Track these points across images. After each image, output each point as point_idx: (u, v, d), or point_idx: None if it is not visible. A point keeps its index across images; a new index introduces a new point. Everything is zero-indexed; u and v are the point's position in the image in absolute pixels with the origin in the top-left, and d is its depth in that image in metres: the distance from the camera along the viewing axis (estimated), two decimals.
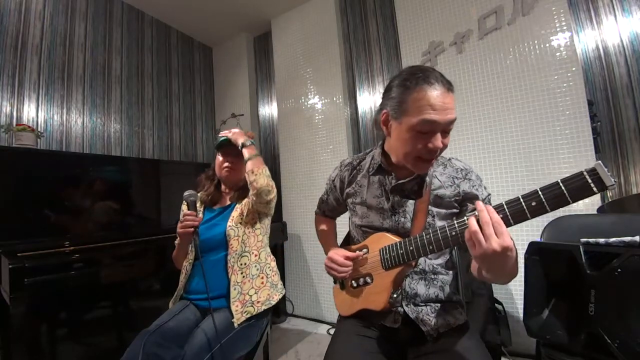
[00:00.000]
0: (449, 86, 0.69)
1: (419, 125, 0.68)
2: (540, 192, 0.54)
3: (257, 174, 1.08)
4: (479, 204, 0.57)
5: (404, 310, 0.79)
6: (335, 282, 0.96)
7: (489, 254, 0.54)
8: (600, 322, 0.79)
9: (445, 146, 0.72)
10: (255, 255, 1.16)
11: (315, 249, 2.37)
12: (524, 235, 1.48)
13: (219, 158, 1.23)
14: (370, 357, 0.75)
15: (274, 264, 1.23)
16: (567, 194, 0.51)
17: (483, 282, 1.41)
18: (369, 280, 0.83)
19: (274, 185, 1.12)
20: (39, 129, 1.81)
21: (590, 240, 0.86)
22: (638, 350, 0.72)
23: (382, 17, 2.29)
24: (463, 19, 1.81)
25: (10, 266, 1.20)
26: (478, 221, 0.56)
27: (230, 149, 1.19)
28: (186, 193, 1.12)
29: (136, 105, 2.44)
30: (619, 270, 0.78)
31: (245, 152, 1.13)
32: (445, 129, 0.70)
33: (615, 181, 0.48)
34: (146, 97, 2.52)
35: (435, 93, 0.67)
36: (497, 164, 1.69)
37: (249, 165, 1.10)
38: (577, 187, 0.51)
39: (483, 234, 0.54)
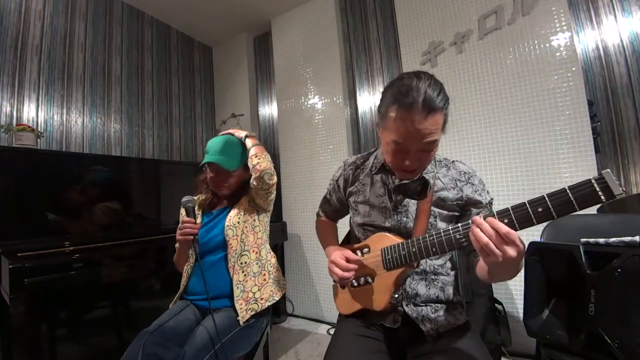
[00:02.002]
0: (431, 106, 0.64)
1: (391, 143, 0.71)
2: (547, 198, 0.53)
3: (260, 158, 1.09)
4: (476, 219, 0.57)
5: (404, 310, 0.79)
6: (335, 281, 0.96)
7: (507, 260, 0.54)
8: (600, 322, 0.79)
9: (425, 165, 0.74)
10: (256, 253, 1.16)
11: (316, 249, 2.37)
12: (524, 235, 1.48)
13: (209, 174, 1.19)
14: (370, 357, 0.75)
15: (274, 260, 1.23)
16: (574, 202, 0.51)
17: (483, 282, 1.41)
18: (369, 280, 0.83)
19: (275, 173, 1.14)
20: (39, 129, 1.81)
21: (590, 240, 0.86)
22: (638, 350, 0.72)
23: (382, 17, 2.29)
24: (463, 19, 1.81)
25: (10, 266, 1.19)
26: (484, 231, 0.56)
27: (213, 168, 1.16)
28: (184, 199, 1.11)
29: (136, 105, 2.43)
30: (619, 270, 0.78)
31: (249, 142, 1.15)
32: (421, 149, 0.69)
33: (623, 190, 0.47)
34: (146, 97, 2.52)
35: (408, 119, 0.65)
36: (497, 164, 1.69)
37: (252, 151, 1.11)
38: (584, 194, 0.50)
39: (495, 244, 0.54)
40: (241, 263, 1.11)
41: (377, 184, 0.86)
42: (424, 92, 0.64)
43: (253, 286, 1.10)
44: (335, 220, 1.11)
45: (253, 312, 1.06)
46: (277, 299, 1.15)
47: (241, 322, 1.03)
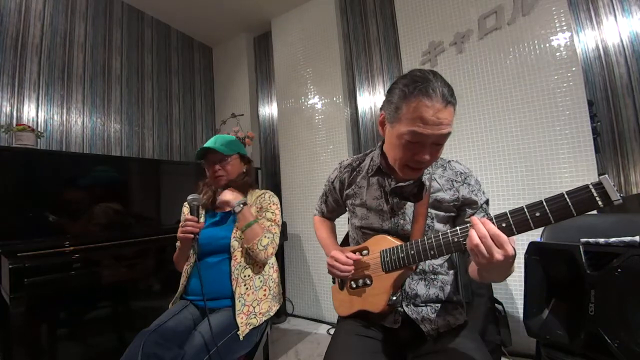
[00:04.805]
0: (449, 99, 0.66)
1: (407, 135, 0.68)
2: (545, 203, 0.54)
3: (255, 252, 1.09)
4: (473, 219, 0.58)
5: (404, 310, 0.79)
6: (334, 282, 0.96)
7: (493, 263, 0.55)
8: (600, 322, 0.79)
9: (434, 159, 0.72)
10: (260, 267, 1.16)
11: (316, 249, 2.37)
12: (524, 235, 1.48)
13: (207, 168, 1.22)
14: (370, 357, 0.75)
15: (276, 275, 1.23)
16: (572, 207, 0.51)
17: (483, 282, 1.41)
18: (368, 281, 0.83)
19: (274, 249, 1.13)
20: (39, 129, 1.81)
21: (590, 240, 0.86)
22: (638, 350, 0.72)
23: (382, 17, 2.29)
24: (463, 19, 1.80)
25: (10, 266, 1.19)
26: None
27: (211, 155, 1.19)
28: (190, 197, 1.11)
29: (136, 105, 2.44)
30: (619, 270, 0.78)
31: (240, 219, 1.12)
32: (436, 141, 0.69)
33: (621, 196, 0.47)
34: (146, 97, 2.52)
35: (430, 106, 0.65)
36: (497, 164, 1.69)
37: (245, 238, 1.10)
38: (582, 200, 0.50)
39: (484, 246, 0.55)
40: (244, 276, 1.11)
41: (374, 186, 0.86)
42: (441, 84, 0.67)
43: (254, 300, 1.11)
44: (332, 219, 1.11)
45: (251, 327, 1.06)
46: (272, 314, 1.16)
47: (241, 337, 1.02)
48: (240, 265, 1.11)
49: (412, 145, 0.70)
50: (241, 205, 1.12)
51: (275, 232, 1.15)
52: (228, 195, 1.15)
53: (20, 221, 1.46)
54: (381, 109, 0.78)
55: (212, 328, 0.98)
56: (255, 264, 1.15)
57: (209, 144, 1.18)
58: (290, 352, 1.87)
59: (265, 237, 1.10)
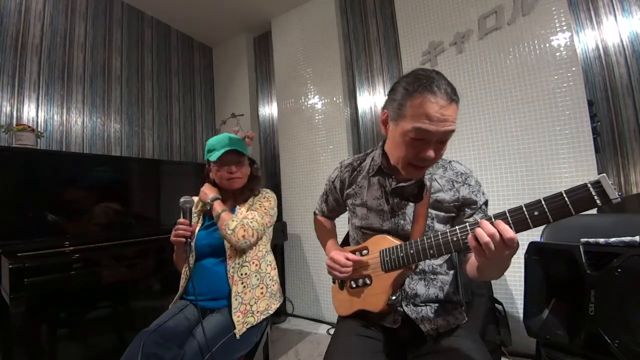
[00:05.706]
0: (452, 96, 0.66)
1: (412, 132, 0.68)
2: (543, 202, 0.54)
3: (226, 237, 1.08)
4: (484, 222, 0.58)
5: (404, 310, 0.79)
6: (334, 282, 0.96)
7: (497, 259, 0.56)
8: (600, 322, 0.79)
9: (438, 157, 0.72)
10: (256, 265, 1.15)
11: (316, 249, 2.37)
12: (524, 235, 1.48)
13: (220, 169, 1.17)
14: (370, 357, 0.75)
15: (274, 272, 1.22)
16: (570, 206, 0.51)
17: (483, 281, 1.42)
18: (368, 281, 0.83)
19: (245, 232, 1.07)
20: (39, 129, 1.81)
21: (590, 240, 0.86)
22: (638, 350, 0.72)
23: (382, 17, 2.29)
24: (463, 19, 1.80)
25: (10, 266, 1.19)
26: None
27: (229, 156, 1.16)
28: (182, 200, 1.07)
29: (136, 105, 2.44)
30: (619, 270, 0.78)
31: (213, 214, 1.14)
32: (440, 139, 0.69)
33: (620, 194, 0.47)
34: (146, 97, 2.52)
35: (434, 103, 0.65)
36: (496, 164, 1.69)
37: (219, 228, 1.11)
38: (580, 198, 0.51)
39: (494, 243, 0.55)
40: (241, 274, 1.11)
41: (375, 186, 0.86)
42: (444, 82, 0.67)
43: (251, 299, 1.10)
44: (332, 218, 1.11)
45: (249, 326, 1.06)
46: (271, 312, 1.15)
47: (237, 335, 1.01)
48: (235, 264, 1.10)
49: (416, 142, 0.69)
50: (211, 202, 1.15)
51: (254, 218, 1.12)
52: (203, 195, 1.20)
53: (20, 221, 1.46)
54: (383, 107, 0.78)
55: (212, 328, 0.98)
56: (252, 262, 1.14)
57: (226, 144, 1.14)
58: (290, 352, 1.87)
59: (232, 220, 1.08)
